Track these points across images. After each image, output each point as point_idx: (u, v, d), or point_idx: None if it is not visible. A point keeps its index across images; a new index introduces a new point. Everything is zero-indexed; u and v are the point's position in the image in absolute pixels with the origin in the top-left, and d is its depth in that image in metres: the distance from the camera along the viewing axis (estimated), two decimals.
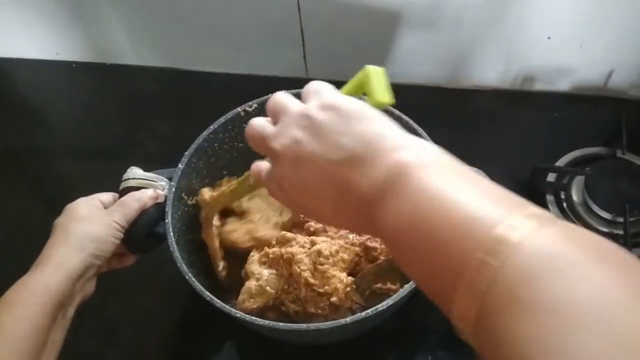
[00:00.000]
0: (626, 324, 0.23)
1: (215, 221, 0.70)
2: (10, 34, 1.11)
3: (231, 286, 0.72)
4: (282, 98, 0.41)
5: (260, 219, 0.71)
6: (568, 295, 0.24)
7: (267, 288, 0.65)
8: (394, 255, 0.36)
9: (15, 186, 0.98)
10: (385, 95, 0.42)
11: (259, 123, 0.41)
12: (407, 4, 0.89)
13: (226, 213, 0.73)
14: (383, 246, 0.68)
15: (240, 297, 0.67)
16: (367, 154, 0.35)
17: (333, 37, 0.96)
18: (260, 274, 0.66)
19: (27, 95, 1.14)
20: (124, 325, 0.79)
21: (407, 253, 0.34)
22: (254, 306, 0.65)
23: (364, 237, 0.69)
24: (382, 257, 0.68)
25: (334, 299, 0.63)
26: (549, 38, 0.90)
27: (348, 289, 0.64)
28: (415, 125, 0.70)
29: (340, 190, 0.36)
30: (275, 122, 0.41)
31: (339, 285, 0.64)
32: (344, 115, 0.37)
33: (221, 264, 0.71)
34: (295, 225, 0.73)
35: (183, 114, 1.04)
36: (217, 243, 0.70)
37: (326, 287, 0.64)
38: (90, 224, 0.60)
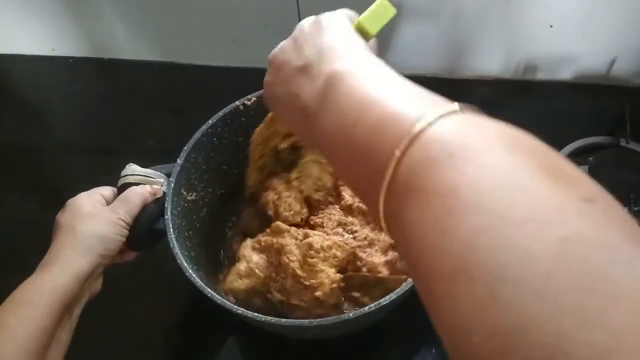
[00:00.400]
0: (522, 201, 0.22)
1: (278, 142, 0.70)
2: (6, 30, 1.10)
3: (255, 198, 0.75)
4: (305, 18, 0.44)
5: (295, 184, 0.72)
6: (462, 178, 0.24)
7: (256, 271, 0.66)
8: (330, 163, 0.39)
9: (12, 182, 0.97)
10: (370, 23, 0.45)
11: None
12: None
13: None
14: (369, 259, 0.67)
15: (229, 277, 0.67)
16: (316, 64, 0.38)
17: None
18: (250, 258, 0.67)
19: (24, 91, 1.13)
20: (125, 324, 0.78)
21: (338, 160, 0.34)
22: (242, 287, 0.66)
23: (356, 243, 0.69)
24: (364, 269, 0.67)
25: (318, 293, 0.63)
26: (551, 26, 0.89)
27: (335, 285, 0.63)
28: None
29: (293, 98, 0.39)
30: None
31: (325, 280, 0.63)
32: (319, 28, 0.40)
33: (253, 176, 0.73)
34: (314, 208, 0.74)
35: (181, 109, 1.03)
36: (258, 153, 0.71)
37: (312, 281, 0.63)
38: (96, 222, 0.59)
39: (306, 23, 0.43)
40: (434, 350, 0.73)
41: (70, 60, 1.12)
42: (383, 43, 0.96)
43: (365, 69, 0.35)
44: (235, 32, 1.01)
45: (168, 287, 0.80)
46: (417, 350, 0.74)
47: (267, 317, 0.57)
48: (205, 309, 0.70)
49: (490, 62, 0.97)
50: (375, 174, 0.28)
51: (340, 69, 0.35)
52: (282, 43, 0.44)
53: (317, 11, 0.92)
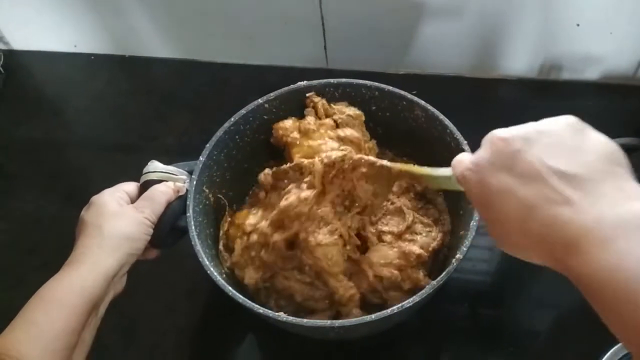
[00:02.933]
0: None
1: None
2: (29, 26, 1.10)
3: None
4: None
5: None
6: None
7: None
8: (591, 301, 0.33)
9: (33, 178, 0.98)
10: None
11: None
12: None
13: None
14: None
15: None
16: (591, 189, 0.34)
17: (355, 26, 0.94)
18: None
19: (45, 87, 1.14)
20: (145, 320, 0.79)
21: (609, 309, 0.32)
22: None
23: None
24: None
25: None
26: (578, 25, 0.87)
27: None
28: (441, 116, 0.68)
29: (529, 212, 0.35)
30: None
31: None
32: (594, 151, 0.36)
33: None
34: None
35: (201, 106, 1.03)
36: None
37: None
38: (123, 221, 0.59)
39: (572, 122, 0.38)
40: (453, 353, 0.73)
41: (92, 57, 1.12)
42: (406, 41, 0.96)
43: None
44: (255, 30, 1.00)
45: (188, 285, 0.80)
46: (437, 352, 0.74)
47: (288, 317, 0.57)
48: (225, 306, 0.70)
49: (514, 61, 0.96)
50: None
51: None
52: (523, 131, 0.38)
53: (339, 5, 0.91)
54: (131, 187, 0.65)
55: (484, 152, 0.40)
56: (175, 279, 0.81)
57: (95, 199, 0.61)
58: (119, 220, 0.59)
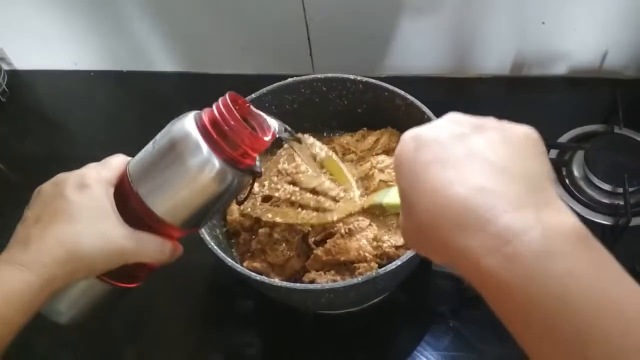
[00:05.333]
0: None
1: None
2: (30, 47, 1.16)
3: None
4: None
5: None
6: None
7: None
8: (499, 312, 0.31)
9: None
10: None
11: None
12: None
13: None
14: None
15: None
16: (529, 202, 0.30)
17: (338, 32, 1.00)
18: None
19: (48, 105, 1.19)
20: (148, 311, 0.83)
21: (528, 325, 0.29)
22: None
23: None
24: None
25: None
26: (543, 23, 0.93)
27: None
28: (418, 103, 0.75)
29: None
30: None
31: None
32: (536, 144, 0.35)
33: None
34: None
35: None
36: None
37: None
38: (103, 239, 0.48)
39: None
40: (443, 327, 0.76)
41: (92, 74, 1.18)
42: (387, 46, 1.02)
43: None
44: (245, 41, 1.06)
45: (190, 278, 0.84)
46: (427, 327, 0.77)
47: (282, 282, 0.62)
48: (225, 297, 0.74)
49: (489, 60, 1.02)
50: None
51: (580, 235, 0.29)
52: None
53: (322, 13, 0.97)
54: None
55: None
56: (179, 274, 0.85)
57: (87, 185, 0.49)
58: (101, 235, 0.47)
